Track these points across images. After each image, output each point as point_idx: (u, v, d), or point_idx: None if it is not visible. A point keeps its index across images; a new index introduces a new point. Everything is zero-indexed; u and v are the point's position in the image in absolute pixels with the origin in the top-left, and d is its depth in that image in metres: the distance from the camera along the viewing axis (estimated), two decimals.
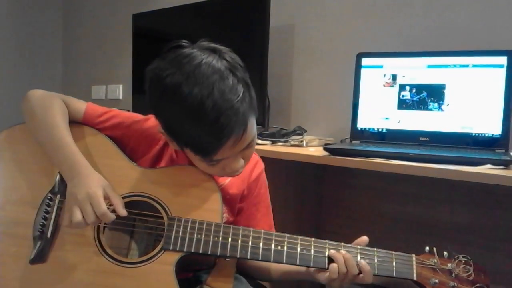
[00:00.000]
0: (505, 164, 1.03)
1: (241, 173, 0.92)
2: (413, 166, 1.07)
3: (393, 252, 0.87)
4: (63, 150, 0.88)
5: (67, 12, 3.12)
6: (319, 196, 1.76)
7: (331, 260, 0.85)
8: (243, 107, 0.79)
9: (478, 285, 0.84)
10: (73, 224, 0.82)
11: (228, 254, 0.86)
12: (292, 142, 1.53)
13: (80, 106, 0.96)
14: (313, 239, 0.87)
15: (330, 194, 1.75)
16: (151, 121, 0.95)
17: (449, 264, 0.85)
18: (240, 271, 0.97)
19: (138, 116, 0.97)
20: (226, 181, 0.97)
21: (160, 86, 0.80)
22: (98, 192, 0.83)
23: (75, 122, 0.94)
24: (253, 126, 0.83)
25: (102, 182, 0.86)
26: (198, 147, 0.81)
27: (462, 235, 1.44)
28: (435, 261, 0.86)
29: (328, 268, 0.84)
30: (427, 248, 0.88)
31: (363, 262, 0.84)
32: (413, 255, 0.87)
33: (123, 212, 0.85)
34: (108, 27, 2.82)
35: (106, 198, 0.84)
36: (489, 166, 1.02)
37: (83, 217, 0.82)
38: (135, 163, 0.93)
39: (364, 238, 0.89)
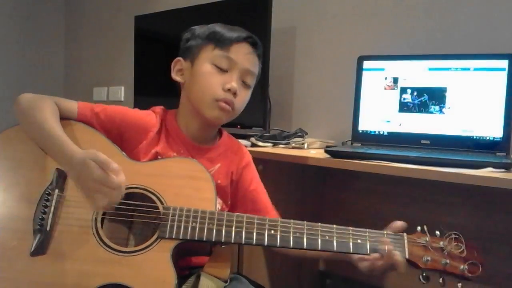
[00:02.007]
0: (506, 167, 1.03)
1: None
2: (414, 169, 1.07)
3: (385, 232, 0.89)
4: (54, 140, 0.91)
5: (69, 14, 3.13)
6: (320, 199, 1.76)
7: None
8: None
9: (470, 261, 0.84)
10: (105, 208, 0.88)
11: (222, 240, 0.89)
12: (293, 145, 1.53)
13: (72, 105, 1.00)
14: (305, 222, 0.90)
15: (331, 197, 1.75)
16: (143, 112, 1.05)
17: (441, 242, 0.86)
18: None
19: (129, 109, 1.04)
20: (215, 166, 1.03)
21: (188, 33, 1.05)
22: (98, 173, 0.84)
23: (68, 120, 0.98)
24: (258, 65, 1.04)
25: (90, 155, 0.85)
26: (219, 40, 0.99)
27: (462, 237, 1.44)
28: (427, 239, 0.86)
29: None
30: (419, 227, 0.89)
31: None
32: (405, 234, 0.88)
33: (122, 177, 0.86)
34: (110, 29, 2.83)
35: (101, 164, 0.84)
36: (490, 169, 1.02)
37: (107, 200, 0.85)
38: (130, 158, 0.97)
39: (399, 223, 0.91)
